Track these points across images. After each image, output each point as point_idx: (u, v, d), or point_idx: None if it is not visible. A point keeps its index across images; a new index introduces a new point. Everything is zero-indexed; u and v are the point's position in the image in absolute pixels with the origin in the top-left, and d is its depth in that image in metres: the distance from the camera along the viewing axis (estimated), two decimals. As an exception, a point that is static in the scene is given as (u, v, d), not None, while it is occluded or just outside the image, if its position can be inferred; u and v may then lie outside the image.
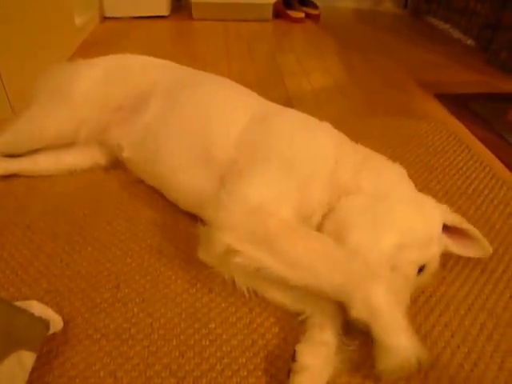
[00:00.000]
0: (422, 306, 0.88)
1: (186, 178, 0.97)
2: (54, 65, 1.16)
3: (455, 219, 0.90)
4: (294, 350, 0.71)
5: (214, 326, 0.81)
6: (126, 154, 1.08)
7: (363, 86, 1.91)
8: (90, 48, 2.14)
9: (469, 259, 0.99)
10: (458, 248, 0.93)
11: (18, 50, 1.48)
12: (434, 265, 0.86)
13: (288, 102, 1.07)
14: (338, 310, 0.77)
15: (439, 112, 1.71)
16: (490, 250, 0.93)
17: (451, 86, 1.92)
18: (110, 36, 2.33)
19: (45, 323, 0.72)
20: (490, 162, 1.37)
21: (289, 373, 0.70)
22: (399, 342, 0.67)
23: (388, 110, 1.66)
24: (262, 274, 0.76)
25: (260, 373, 0.73)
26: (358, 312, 0.69)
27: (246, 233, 0.76)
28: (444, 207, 0.92)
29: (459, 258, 0.99)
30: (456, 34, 2.57)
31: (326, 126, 1.00)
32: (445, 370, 0.76)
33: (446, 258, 0.99)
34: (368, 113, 1.63)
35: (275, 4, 2.84)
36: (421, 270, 0.83)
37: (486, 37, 2.28)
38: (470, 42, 2.45)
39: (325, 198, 0.88)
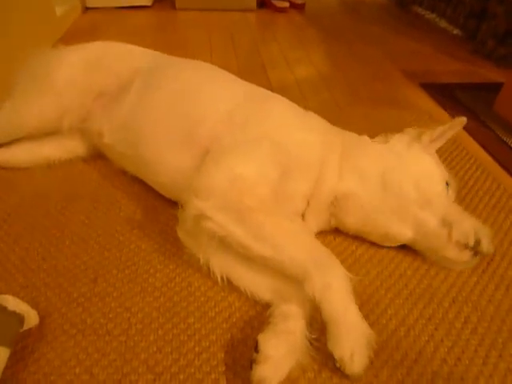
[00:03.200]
0: (405, 299, 0.87)
1: (169, 159, 0.95)
2: (36, 52, 1.12)
3: (429, 137, 1.00)
4: (257, 340, 0.69)
5: (192, 320, 0.79)
6: (106, 140, 1.05)
7: (347, 77, 1.89)
8: (71, 38, 2.08)
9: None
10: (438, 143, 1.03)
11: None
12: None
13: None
14: (306, 301, 0.76)
15: (424, 101, 1.69)
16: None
17: (437, 75, 1.91)
18: (91, 26, 2.28)
19: (19, 318, 0.70)
20: (475, 152, 1.37)
21: (251, 364, 0.68)
22: (350, 323, 0.70)
23: (372, 101, 1.64)
24: (227, 242, 0.78)
25: (239, 368, 0.72)
26: (312, 289, 0.71)
27: (220, 201, 0.76)
28: (423, 143, 0.99)
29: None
30: (442, 23, 2.56)
31: (313, 116, 1.02)
32: (428, 364, 0.75)
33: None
34: (352, 103, 1.61)
35: (260, -7, 2.80)
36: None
37: (472, 26, 2.27)
38: (456, 31, 2.44)
39: (305, 189, 0.91)
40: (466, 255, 0.90)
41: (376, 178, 0.92)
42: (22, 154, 1.13)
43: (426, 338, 0.80)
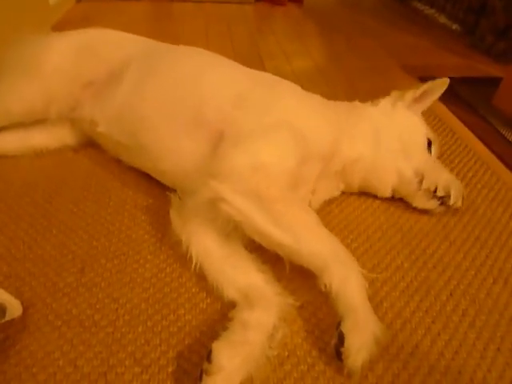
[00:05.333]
0: (402, 291, 0.85)
1: (174, 145, 0.93)
2: (23, 37, 1.09)
3: (412, 96, 1.07)
4: (210, 350, 0.65)
5: (183, 311, 0.77)
6: (101, 129, 1.02)
7: (345, 70, 1.87)
8: (64, 28, 2.03)
9: (451, 244, 0.97)
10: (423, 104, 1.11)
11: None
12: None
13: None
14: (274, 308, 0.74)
15: (423, 96, 1.67)
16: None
17: (436, 69, 1.89)
18: (85, 16, 2.24)
19: (1, 308, 0.68)
20: (473, 146, 1.35)
21: (201, 374, 0.63)
22: (367, 317, 0.70)
23: (370, 93, 1.60)
24: (241, 227, 0.78)
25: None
26: (330, 280, 0.71)
27: (241, 186, 0.76)
28: (406, 102, 1.07)
29: (440, 242, 0.97)
30: (441, 18, 2.54)
31: (318, 97, 1.06)
32: (425, 358, 0.73)
33: (427, 241, 0.97)
34: (349, 96, 1.58)
35: (258, -14, 2.76)
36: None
37: (472, 21, 2.25)
38: (455, 26, 2.41)
39: (319, 169, 0.94)
40: (433, 204, 1.01)
41: (371, 138, 1.01)
42: (10, 142, 1.09)
43: (423, 332, 0.77)
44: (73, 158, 1.13)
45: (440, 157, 1.26)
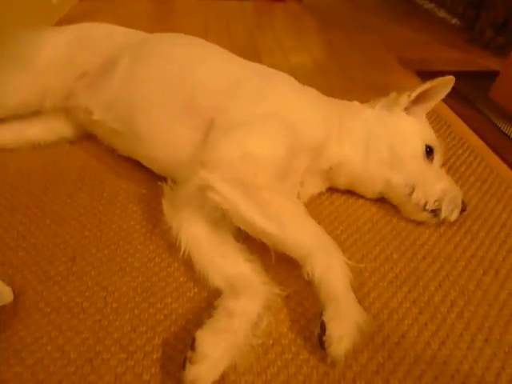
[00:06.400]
0: (390, 282, 0.85)
1: (165, 132, 0.94)
2: (19, 31, 1.10)
3: (407, 99, 1.01)
4: (194, 338, 0.65)
5: (170, 300, 0.78)
6: (96, 117, 1.02)
7: (343, 65, 1.87)
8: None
9: (441, 236, 0.97)
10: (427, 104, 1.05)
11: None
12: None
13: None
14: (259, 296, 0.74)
15: (419, 88, 1.67)
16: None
17: (433, 63, 1.89)
18: (87, 14, 2.25)
19: (-10, 295, 0.69)
20: (468, 139, 1.34)
21: (184, 362, 0.64)
22: (350, 305, 0.70)
23: (367, 87, 1.63)
24: (228, 215, 0.78)
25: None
26: (313, 269, 0.72)
27: (229, 174, 0.77)
28: (402, 105, 1.02)
29: (430, 234, 0.98)
30: (441, 13, 2.52)
31: (312, 90, 1.05)
32: (410, 348, 0.73)
33: (417, 233, 0.98)
34: (346, 90, 1.59)
35: (257, -17, 2.74)
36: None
37: (471, 16, 2.24)
38: (454, 21, 2.40)
39: (308, 162, 0.94)
40: (424, 217, 0.97)
41: (362, 142, 0.98)
42: (7, 135, 1.11)
43: (410, 322, 0.78)
44: (69, 151, 1.15)
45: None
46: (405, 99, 1.00)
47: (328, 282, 0.72)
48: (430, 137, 1.01)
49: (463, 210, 0.97)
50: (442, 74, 1.79)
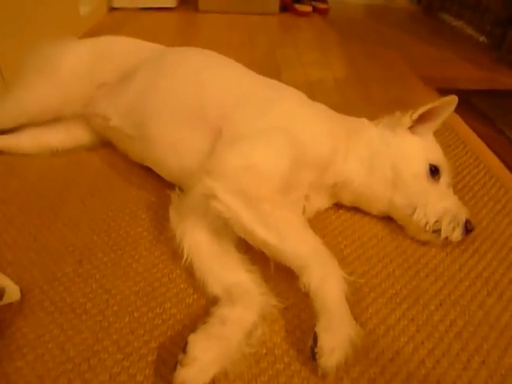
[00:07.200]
0: (389, 298, 0.85)
1: (175, 139, 0.97)
2: (44, 42, 1.16)
3: (409, 119, 1.01)
4: (186, 341, 0.67)
5: (169, 305, 0.80)
6: (113, 123, 1.07)
7: (362, 80, 1.87)
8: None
9: (447, 255, 0.96)
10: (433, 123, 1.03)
11: (18, 36, 1.49)
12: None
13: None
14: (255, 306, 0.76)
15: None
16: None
17: (456, 81, 1.87)
18: (114, 26, 2.34)
19: (-1, 292, 0.73)
20: (484, 158, 1.33)
21: (176, 365, 0.65)
22: (343, 318, 0.71)
23: (385, 104, 1.63)
24: (230, 224, 0.80)
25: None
26: (309, 280, 0.74)
27: (232, 184, 0.79)
28: (404, 126, 1.01)
29: (436, 252, 0.97)
30: (469, 30, 2.50)
31: (321, 106, 1.06)
32: (404, 365, 0.73)
33: (422, 251, 0.97)
34: (362, 106, 1.60)
35: (282, -3, 2.80)
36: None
37: (499, 34, 2.21)
38: (482, 39, 2.37)
39: (313, 177, 0.96)
40: (426, 237, 0.97)
41: (366, 161, 0.99)
42: (27, 141, 1.16)
43: (406, 339, 0.77)
44: (85, 157, 1.20)
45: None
46: (407, 119, 1.00)
47: (322, 294, 0.73)
48: (435, 156, 1.01)
49: (471, 229, 0.95)
50: (463, 92, 1.79)
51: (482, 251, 0.98)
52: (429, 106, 0.99)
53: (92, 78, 1.12)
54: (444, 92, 1.75)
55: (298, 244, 0.77)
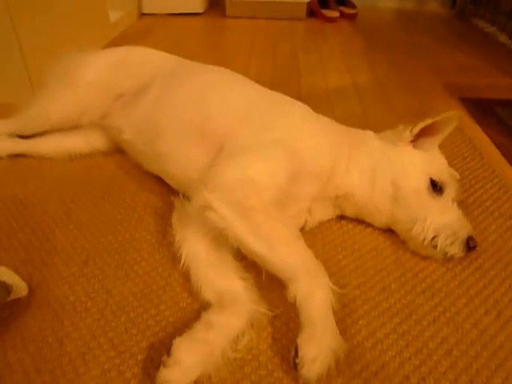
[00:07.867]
0: (382, 312, 0.85)
1: (182, 153, 1.01)
2: (66, 53, 1.23)
3: (409, 134, 1.00)
4: (171, 344, 0.70)
5: (163, 308, 0.84)
6: (126, 136, 1.13)
7: (383, 88, 1.86)
8: (120, 44, 2.20)
9: (447, 271, 0.95)
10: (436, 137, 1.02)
11: (48, 44, 1.57)
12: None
13: (298, 100, 1.11)
14: (245, 314, 0.78)
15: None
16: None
17: (481, 90, 1.82)
18: (142, 32, 2.41)
19: (6, 288, 0.78)
20: (501, 172, 1.29)
21: (159, 366, 0.69)
22: (326, 330, 0.72)
23: (402, 113, 1.61)
24: (224, 234, 0.82)
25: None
26: (295, 292, 0.74)
27: (227, 196, 0.82)
28: (405, 140, 1.01)
29: (436, 267, 0.96)
30: (502, 37, 2.42)
31: (324, 119, 1.08)
32: (387, 379, 0.73)
33: (422, 266, 0.97)
34: (381, 114, 1.59)
35: (310, 2, 2.81)
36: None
37: (532, 42, 2.14)
38: (514, 46, 2.30)
39: (314, 191, 0.97)
40: (427, 252, 0.97)
41: (368, 174, 1.00)
42: (46, 145, 1.24)
43: (393, 354, 0.78)
44: (101, 163, 1.26)
45: (459, 181, 1.23)
46: (407, 136, 1.00)
47: (307, 306, 0.74)
48: (438, 170, 0.99)
49: (473, 246, 0.94)
50: (487, 102, 1.74)
51: (485, 268, 0.97)
52: (429, 121, 0.98)
53: (110, 91, 1.18)
54: (468, 102, 1.73)
55: (287, 255, 0.79)
